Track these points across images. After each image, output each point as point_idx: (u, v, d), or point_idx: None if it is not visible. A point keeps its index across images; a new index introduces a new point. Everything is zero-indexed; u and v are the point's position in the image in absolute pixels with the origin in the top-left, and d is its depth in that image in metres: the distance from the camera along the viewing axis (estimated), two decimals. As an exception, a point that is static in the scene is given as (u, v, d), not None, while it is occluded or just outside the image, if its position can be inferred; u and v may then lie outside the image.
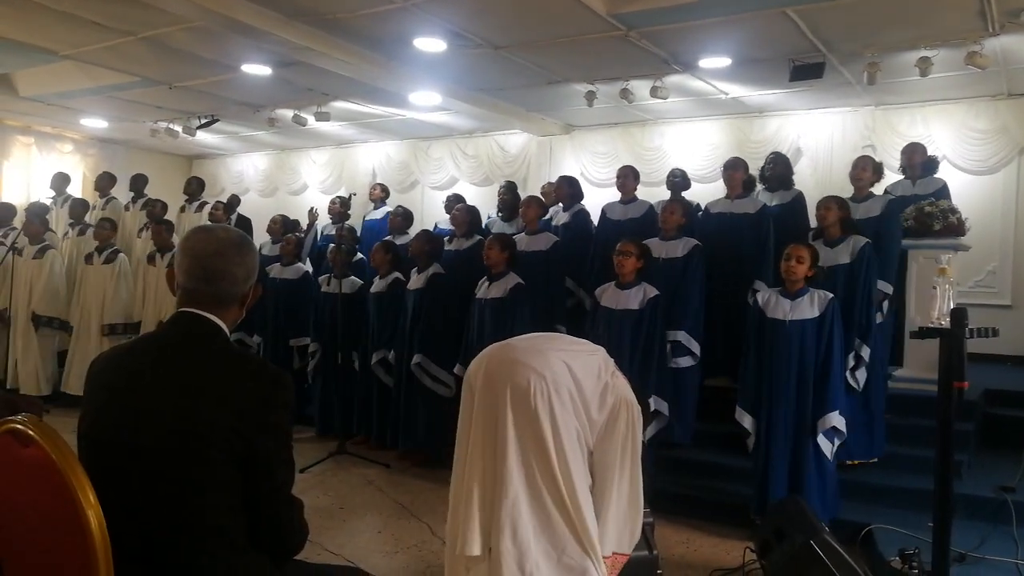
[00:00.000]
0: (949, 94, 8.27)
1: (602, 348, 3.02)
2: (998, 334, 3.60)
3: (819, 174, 9.01)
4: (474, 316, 5.83)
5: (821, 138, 9.16)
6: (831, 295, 4.60)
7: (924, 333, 3.59)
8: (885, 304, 5.39)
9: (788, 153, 8.95)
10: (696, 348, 5.45)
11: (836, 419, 4.46)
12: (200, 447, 1.75)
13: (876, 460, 5.17)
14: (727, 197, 6.18)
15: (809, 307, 4.57)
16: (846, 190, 5.83)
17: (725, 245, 5.86)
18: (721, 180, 6.44)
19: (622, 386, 2.90)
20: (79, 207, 9.17)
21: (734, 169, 6.15)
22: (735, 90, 8.51)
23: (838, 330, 4.56)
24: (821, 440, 4.47)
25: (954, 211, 5.71)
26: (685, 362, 5.45)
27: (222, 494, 1.79)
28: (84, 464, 1.67)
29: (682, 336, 5.42)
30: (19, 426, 1.68)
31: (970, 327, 3.36)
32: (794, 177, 6.60)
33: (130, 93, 9.67)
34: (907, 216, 5.72)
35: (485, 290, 5.80)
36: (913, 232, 5.73)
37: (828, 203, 5.28)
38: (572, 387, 2.76)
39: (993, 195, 8.40)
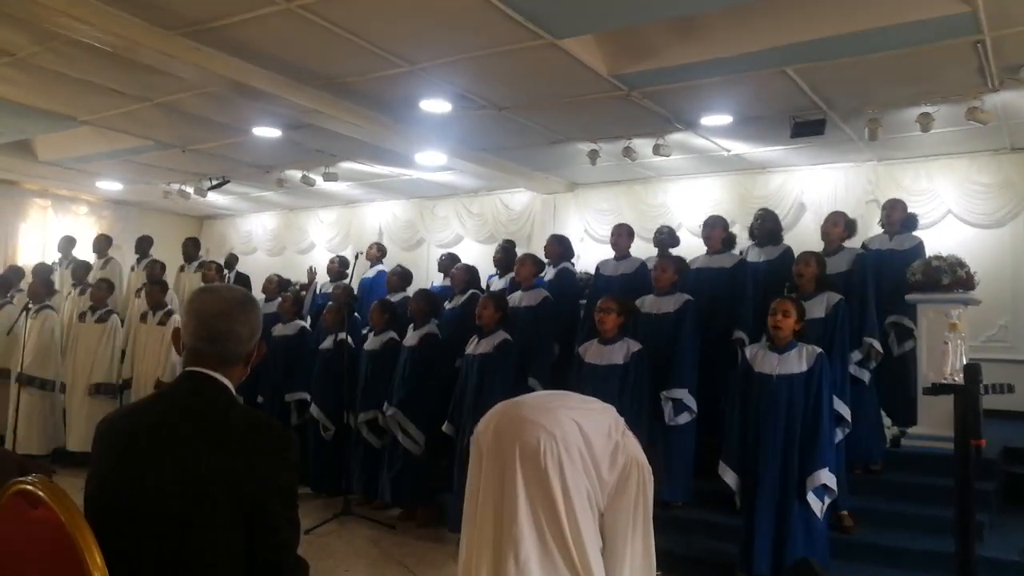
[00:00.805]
0: (952, 148, 8.32)
1: (612, 407, 3.00)
2: (1014, 390, 3.57)
3: (823, 229, 9.05)
4: (463, 372, 5.87)
5: (824, 193, 9.22)
6: (819, 350, 4.60)
7: (937, 389, 3.55)
8: (871, 362, 5.48)
9: (792, 208, 9.10)
10: (693, 404, 5.43)
11: (826, 476, 4.41)
12: (205, 507, 1.75)
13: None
14: (707, 253, 6.30)
15: (797, 362, 4.57)
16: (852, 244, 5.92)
17: (703, 300, 5.90)
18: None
19: (632, 446, 2.87)
20: (81, 268, 9.32)
21: (712, 227, 6.31)
22: (737, 147, 8.63)
23: (826, 384, 4.54)
24: (811, 498, 4.42)
25: (962, 264, 5.74)
26: (684, 419, 5.43)
27: (227, 555, 1.78)
28: (91, 525, 1.67)
29: (682, 394, 5.40)
30: (29, 487, 1.69)
31: (985, 383, 3.34)
32: (798, 232, 6.66)
33: (145, 156, 9.88)
34: (914, 271, 5.76)
35: (475, 346, 5.85)
36: (921, 287, 5.75)
37: (808, 258, 5.38)
38: (582, 446, 2.73)
39: (1001, 248, 8.37)
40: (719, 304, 5.93)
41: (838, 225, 5.94)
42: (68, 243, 10.11)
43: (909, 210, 6.46)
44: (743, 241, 6.75)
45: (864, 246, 6.19)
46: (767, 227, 6.45)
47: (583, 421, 2.80)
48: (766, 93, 6.73)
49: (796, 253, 5.80)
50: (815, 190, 9.29)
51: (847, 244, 5.98)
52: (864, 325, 5.45)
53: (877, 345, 5.46)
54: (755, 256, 6.35)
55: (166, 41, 5.82)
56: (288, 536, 1.87)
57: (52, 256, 10.65)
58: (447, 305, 6.92)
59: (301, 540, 1.95)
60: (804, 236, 7.20)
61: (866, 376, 5.47)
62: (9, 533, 1.76)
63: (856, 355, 5.36)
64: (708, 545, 5.15)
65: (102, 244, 9.83)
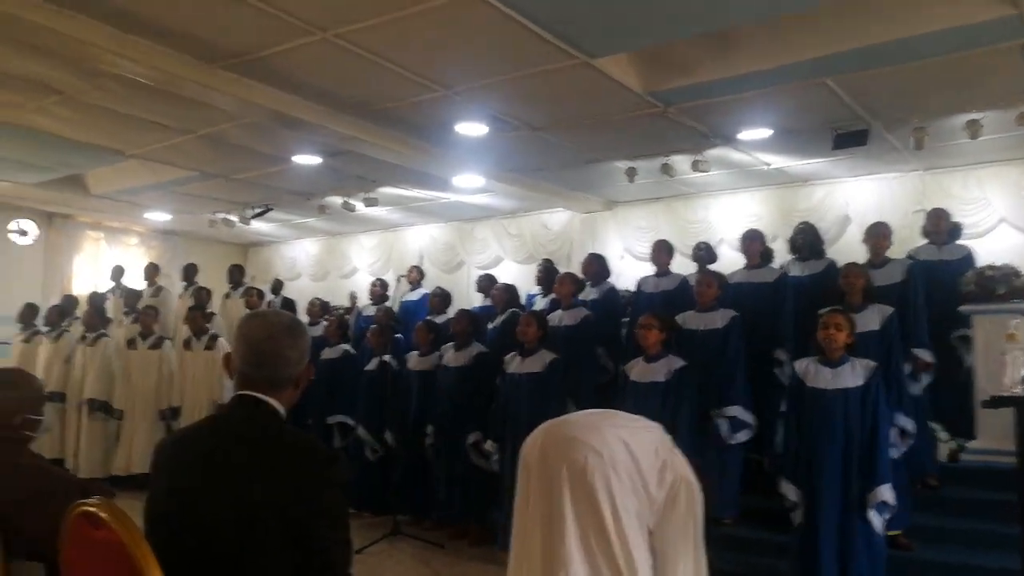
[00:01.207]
0: (1003, 155, 8.10)
1: (659, 425, 2.98)
2: (1077, 402, 3.47)
3: (869, 241, 8.90)
4: (505, 391, 5.85)
5: (870, 204, 9.04)
6: (874, 364, 4.51)
7: (996, 402, 3.48)
8: (924, 375, 5.37)
9: (836, 221, 8.98)
10: (751, 420, 5.38)
11: (887, 492, 4.32)
12: (258, 528, 1.78)
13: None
14: (746, 267, 6.24)
15: (852, 375, 4.48)
16: (898, 256, 5.82)
17: (743, 315, 5.82)
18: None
19: (680, 463, 2.84)
20: (132, 297, 9.56)
21: (751, 240, 6.28)
22: (777, 160, 8.54)
23: (883, 398, 4.46)
24: (871, 514, 4.33)
25: (1018, 274, 5.63)
26: (743, 436, 5.38)
27: (280, 574, 1.80)
28: (151, 545, 1.71)
29: (737, 411, 5.36)
30: (91, 509, 1.73)
31: (1046, 395, 3.26)
32: (843, 245, 6.58)
33: (190, 187, 10.09)
34: (968, 281, 5.65)
35: (519, 364, 5.84)
36: (975, 297, 5.64)
37: (857, 270, 5.31)
38: (630, 464, 2.70)
39: (1058, 256, 8.12)
40: (760, 319, 5.86)
41: (886, 236, 5.86)
42: (118, 272, 10.40)
43: (956, 219, 6.34)
44: (785, 255, 6.67)
45: (910, 256, 6.09)
46: (809, 241, 6.36)
47: (630, 439, 2.77)
48: (806, 105, 6.65)
49: (839, 266, 5.73)
50: (860, 202, 9.13)
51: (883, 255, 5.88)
52: (913, 337, 5.35)
53: (926, 356, 5.35)
54: (797, 270, 6.27)
55: (208, 74, 5.96)
56: (337, 557, 1.89)
57: (105, 286, 10.93)
58: (490, 325, 6.96)
59: (352, 560, 1.96)
60: (849, 249, 7.08)
61: (917, 389, 5.36)
62: (74, 553, 1.81)
63: (907, 367, 5.25)
64: (757, 562, 5.07)
65: (151, 272, 10.09)
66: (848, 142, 7.15)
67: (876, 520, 4.33)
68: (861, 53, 5.51)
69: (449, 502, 6.29)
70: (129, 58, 5.49)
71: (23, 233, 12.10)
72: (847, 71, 5.91)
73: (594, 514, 2.62)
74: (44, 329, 9.04)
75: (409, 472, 6.61)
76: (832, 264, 6.20)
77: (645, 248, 10.06)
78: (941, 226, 6.19)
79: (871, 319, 5.10)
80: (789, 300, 5.87)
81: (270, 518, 1.78)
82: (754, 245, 6.23)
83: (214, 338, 8.10)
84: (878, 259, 5.79)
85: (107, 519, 1.68)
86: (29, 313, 9.19)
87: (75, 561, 1.83)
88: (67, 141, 8.09)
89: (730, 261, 7.10)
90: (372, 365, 6.98)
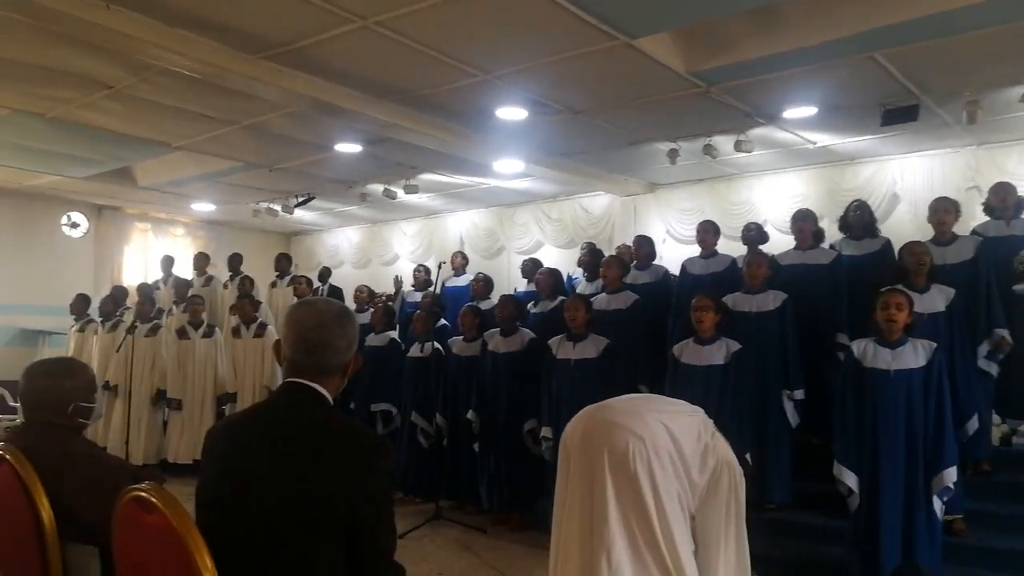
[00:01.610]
0: (1061, 127, 7.83)
1: (700, 410, 2.95)
2: None
3: (919, 219, 8.61)
4: (556, 377, 5.79)
5: (919, 182, 8.85)
6: (935, 344, 4.37)
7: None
8: (999, 355, 5.19)
9: (884, 199, 8.78)
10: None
11: (952, 476, 4.20)
12: (306, 513, 1.81)
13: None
14: (797, 248, 6.09)
15: (913, 356, 4.34)
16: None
17: (799, 297, 5.69)
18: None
19: (723, 448, 2.81)
20: (181, 286, 9.71)
21: (803, 220, 6.09)
22: (823, 139, 8.38)
23: (945, 380, 4.32)
24: (935, 502, 4.22)
25: None
26: (796, 420, 5.31)
27: (328, 559, 1.83)
28: (201, 530, 1.74)
29: (800, 394, 5.29)
30: (143, 494, 1.77)
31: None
32: (892, 223, 6.41)
33: (234, 177, 10.26)
34: (1021, 260, 5.44)
35: (570, 350, 5.78)
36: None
37: (924, 248, 5.11)
38: (672, 449, 2.68)
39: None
40: (818, 302, 5.71)
41: (951, 212, 5.58)
42: (168, 262, 10.59)
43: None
44: (832, 235, 6.54)
45: (976, 233, 5.87)
46: (863, 219, 6.16)
47: (671, 424, 2.75)
48: (853, 81, 6.50)
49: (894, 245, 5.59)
50: (909, 179, 8.92)
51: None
52: (991, 315, 5.15)
53: (1008, 336, 5.14)
54: (850, 250, 6.07)
55: (251, 65, 6.04)
56: (383, 542, 1.91)
57: (153, 276, 11.18)
58: (532, 309, 6.94)
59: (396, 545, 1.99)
60: (898, 228, 6.93)
61: (994, 369, 5.20)
62: (127, 537, 1.86)
63: (984, 348, 5.10)
64: (809, 548, 4.99)
65: (201, 262, 10.23)
66: (897, 118, 6.97)
67: (938, 505, 4.23)
68: (911, 25, 5.34)
69: (496, 491, 6.27)
70: (175, 51, 5.58)
71: (75, 225, 12.46)
72: (896, 44, 5.75)
73: (636, 499, 2.61)
74: (98, 319, 9.25)
75: (455, 458, 6.65)
76: (888, 243, 6.02)
77: (687, 230, 10.01)
78: (1008, 201, 5.92)
79: (936, 300, 4.94)
80: (844, 284, 5.70)
81: (318, 504, 1.80)
82: (806, 225, 6.05)
83: (263, 326, 8.22)
84: (944, 236, 5.53)
85: (158, 504, 1.72)
86: (82, 304, 9.40)
87: (127, 545, 1.88)
88: (116, 135, 8.28)
89: (774, 242, 6.98)
90: (417, 351, 7.00)
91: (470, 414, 6.42)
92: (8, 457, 2.32)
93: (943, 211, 5.60)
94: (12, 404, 9.07)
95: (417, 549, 5.62)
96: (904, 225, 8.21)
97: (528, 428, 6.08)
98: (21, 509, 2.26)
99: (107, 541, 1.99)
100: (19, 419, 8.04)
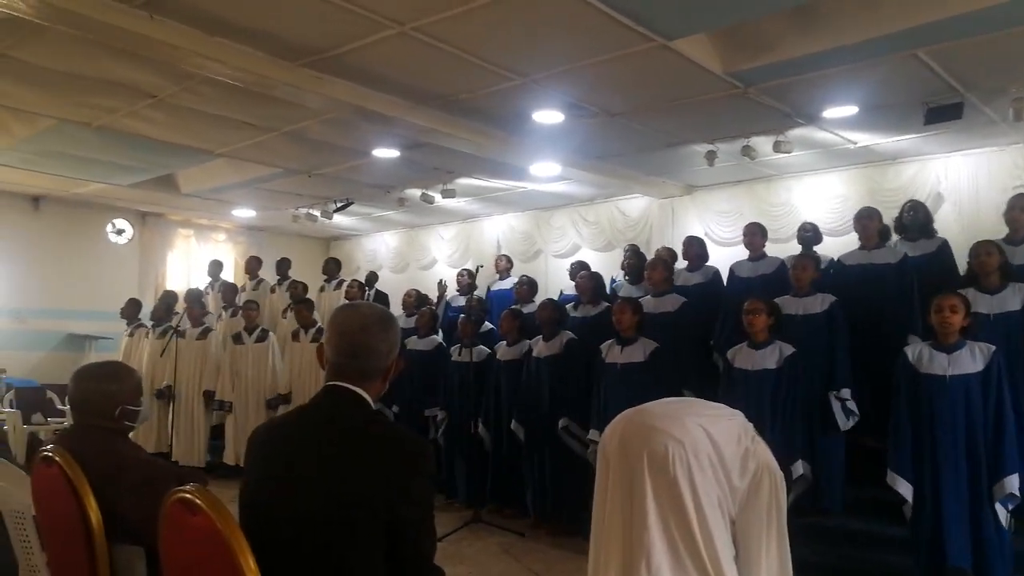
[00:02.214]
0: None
1: (740, 413, 2.91)
2: None
3: (964, 219, 8.51)
4: (605, 381, 5.76)
5: (964, 181, 8.67)
6: (993, 347, 4.25)
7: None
8: None
9: (928, 199, 8.56)
10: (855, 408, 5.18)
11: (1015, 483, 4.08)
12: (348, 516, 1.82)
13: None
14: (862, 248, 5.92)
15: (971, 360, 4.22)
16: (997, 233, 5.48)
17: (865, 298, 5.58)
18: (853, 232, 6.19)
19: (763, 452, 2.77)
20: (230, 291, 9.83)
21: (869, 218, 5.90)
22: (864, 138, 8.25)
23: (1006, 383, 4.18)
24: (998, 509, 4.10)
25: None
26: (851, 423, 5.17)
27: (369, 562, 1.84)
28: (244, 531, 1.76)
29: (848, 394, 5.16)
30: (188, 496, 1.80)
31: None
32: (936, 223, 6.26)
33: (274, 183, 10.41)
34: None
35: (618, 354, 5.73)
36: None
37: (990, 248, 4.94)
38: (712, 453, 2.65)
39: None
40: (884, 303, 5.57)
41: None
42: (216, 267, 10.73)
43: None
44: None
45: None
46: (918, 220, 6.01)
47: (711, 427, 2.72)
48: (895, 79, 6.38)
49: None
50: (954, 179, 8.73)
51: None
52: None
53: None
54: (905, 251, 5.93)
55: (290, 72, 6.12)
56: (424, 545, 1.93)
57: (196, 281, 11.36)
58: (573, 313, 6.90)
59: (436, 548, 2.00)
60: (943, 228, 6.75)
61: None
62: (172, 538, 1.89)
63: None
64: (864, 556, 4.90)
65: (254, 265, 10.37)
66: (941, 116, 6.82)
67: (1002, 513, 4.11)
68: (954, 21, 5.23)
69: (539, 496, 6.23)
70: (216, 60, 5.68)
71: (120, 232, 12.73)
72: (939, 41, 5.63)
73: (675, 503, 2.59)
74: (148, 324, 9.40)
75: (498, 463, 6.65)
76: (944, 243, 5.89)
77: (726, 232, 9.93)
78: None
79: (1010, 299, 4.80)
80: (915, 285, 5.51)
81: (358, 507, 1.82)
82: (871, 223, 5.87)
83: (320, 331, 8.26)
84: (1018, 235, 5.34)
85: (202, 506, 1.75)
86: (133, 308, 9.56)
87: (173, 545, 1.91)
88: (159, 143, 8.43)
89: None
90: (463, 356, 7.00)
91: (513, 424, 6.41)
92: (58, 459, 2.37)
93: (1019, 209, 5.38)
94: (61, 407, 9.28)
95: (455, 552, 5.63)
96: (949, 225, 8.03)
97: (562, 425, 6.03)
98: (70, 510, 2.31)
99: (153, 542, 2.02)
100: (67, 422, 8.25)
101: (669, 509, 2.59)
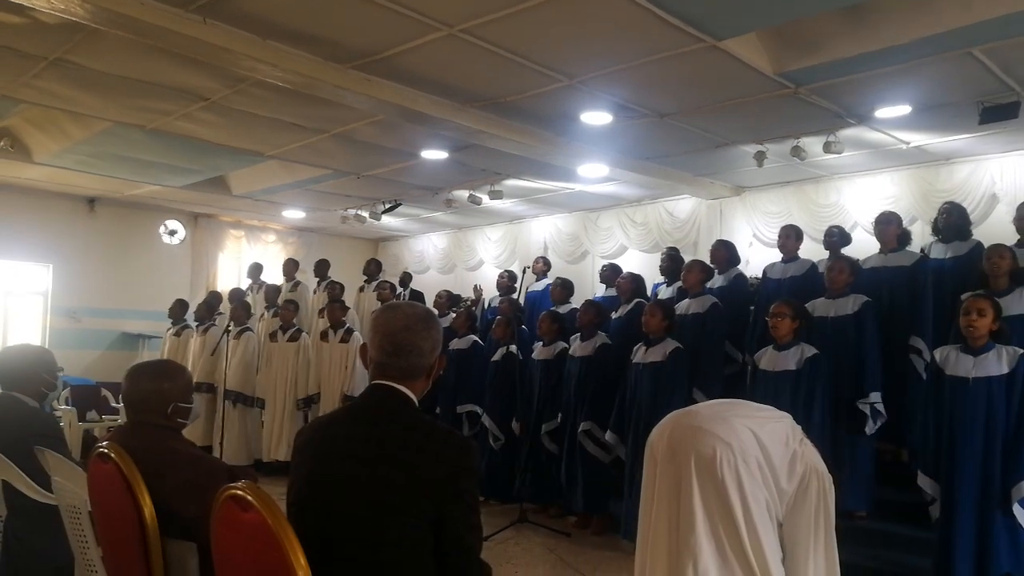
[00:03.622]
0: None
1: (788, 415, 2.88)
2: None
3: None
4: (630, 381, 5.82)
5: (1020, 182, 8.38)
6: (1021, 351, 4.18)
7: None
8: None
9: (982, 200, 8.40)
10: (883, 410, 5.16)
11: None
12: (395, 513, 1.85)
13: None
14: (881, 252, 5.94)
15: (996, 363, 4.19)
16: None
17: (881, 301, 5.56)
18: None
19: (811, 454, 2.74)
20: (272, 292, 10.03)
21: (887, 223, 5.96)
22: (917, 138, 8.06)
23: None
24: (1017, 510, 4.04)
25: None
26: (871, 428, 5.15)
27: (416, 559, 1.87)
28: (293, 528, 1.79)
29: (878, 398, 5.14)
30: (240, 492, 1.84)
31: None
32: (990, 225, 6.16)
33: (323, 185, 10.53)
34: None
35: (643, 355, 5.79)
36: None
37: (1001, 251, 4.97)
38: (760, 456, 2.63)
39: None
40: (899, 306, 5.59)
41: None
42: (256, 269, 11.00)
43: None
44: (926, 237, 6.31)
45: None
46: (953, 221, 5.97)
47: (759, 430, 2.69)
48: (949, 78, 6.23)
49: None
50: (1009, 179, 8.46)
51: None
52: None
53: None
54: (939, 253, 5.91)
55: (340, 75, 6.19)
56: (471, 542, 1.95)
57: (246, 283, 11.57)
58: (613, 315, 6.91)
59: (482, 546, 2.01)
60: (997, 229, 6.60)
61: None
62: (224, 534, 1.92)
63: None
64: (894, 557, 4.88)
65: (290, 268, 10.59)
66: (996, 116, 6.64)
67: (1021, 516, 4.05)
68: (1011, 19, 5.07)
69: (571, 492, 6.31)
70: (268, 63, 5.76)
71: (172, 233, 13.01)
72: (995, 40, 5.48)
73: (723, 505, 2.56)
74: (193, 324, 9.62)
75: (533, 461, 6.67)
76: (979, 245, 5.81)
77: (775, 234, 9.74)
78: None
79: (1016, 303, 4.79)
80: (929, 287, 5.55)
81: (407, 504, 1.84)
82: (889, 228, 5.93)
83: (349, 332, 8.39)
84: None
85: (254, 502, 1.78)
86: (179, 309, 9.80)
87: (224, 541, 1.94)
88: (211, 145, 8.60)
89: (867, 245, 6.75)
90: (498, 355, 7.08)
91: (544, 427, 6.48)
92: (113, 456, 2.42)
93: None
94: (115, 405, 9.52)
95: (502, 552, 5.66)
96: (1004, 226, 7.76)
97: (583, 429, 6.12)
98: (125, 506, 2.36)
99: (205, 538, 2.06)
100: (121, 419, 8.47)
101: (717, 512, 2.57)
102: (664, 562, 2.63)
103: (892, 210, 6.48)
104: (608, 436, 5.86)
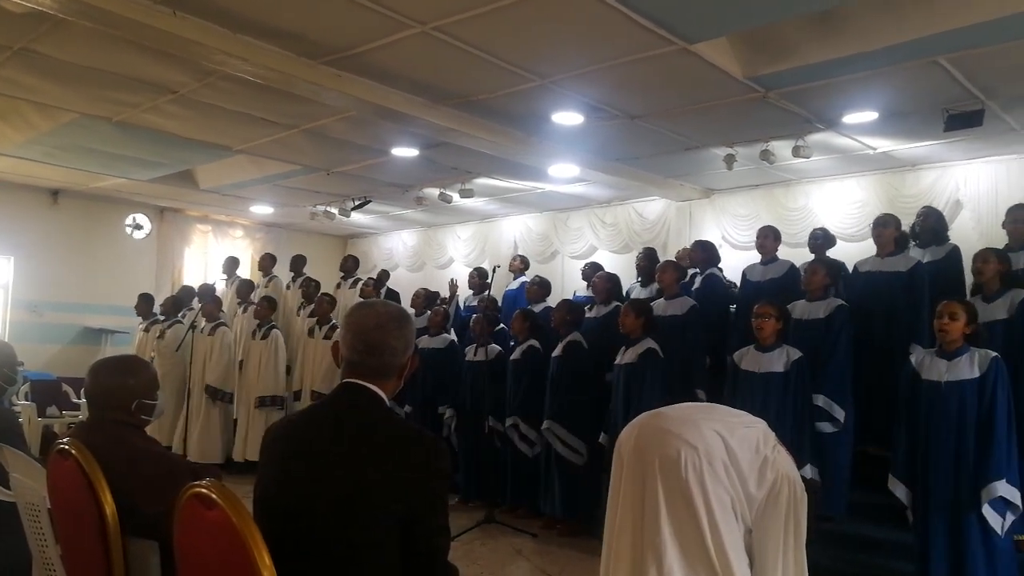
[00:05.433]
0: None
1: (762, 421, 2.89)
2: None
3: (983, 226, 8.43)
4: (614, 383, 5.85)
5: (983, 188, 8.59)
6: (994, 354, 4.25)
7: None
8: None
9: (946, 206, 8.54)
10: (839, 414, 5.15)
11: (1004, 488, 4.05)
12: (363, 512, 1.83)
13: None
14: (877, 255, 5.91)
15: (968, 367, 4.24)
16: (1014, 241, 5.46)
17: (876, 306, 5.59)
18: (870, 238, 6.15)
19: (784, 462, 2.74)
20: (245, 287, 9.89)
21: (884, 226, 5.88)
22: (883, 144, 8.19)
23: (1002, 390, 4.17)
24: (987, 512, 4.07)
25: None
26: (826, 428, 5.15)
27: (383, 559, 1.85)
28: (259, 527, 1.77)
29: (822, 400, 5.15)
30: (204, 490, 1.81)
31: None
32: (955, 231, 6.23)
33: (292, 180, 10.45)
34: None
35: (622, 355, 5.83)
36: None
37: (986, 255, 5.00)
38: (727, 460, 2.64)
39: None
40: (897, 312, 5.56)
41: None
42: (232, 263, 10.78)
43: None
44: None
45: None
46: (930, 225, 6.02)
47: (728, 435, 2.70)
48: (916, 86, 6.34)
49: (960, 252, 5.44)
50: (973, 186, 8.66)
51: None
52: None
53: None
54: (917, 256, 5.95)
55: (311, 70, 6.14)
56: (440, 543, 1.93)
57: (213, 277, 11.41)
58: (588, 314, 6.91)
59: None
60: (962, 235, 6.71)
61: None
62: (188, 531, 1.90)
63: None
64: (871, 561, 4.91)
65: (267, 262, 10.37)
66: (961, 123, 6.75)
67: (993, 519, 4.09)
68: (977, 29, 5.19)
69: (550, 496, 6.26)
70: (239, 57, 5.70)
71: (138, 227, 12.81)
72: (961, 48, 5.58)
73: (687, 508, 2.57)
74: (161, 318, 9.47)
75: (509, 461, 6.66)
76: (955, 249, 5.88)
77: (744, 236, 9.88)
78: None
79: (999, 308, 4.82)
80: (927, 293, 5.47)
81: (374, 504, 1.83)
82: (886, 231, 5.83)
83: (334, 328, 8.26)
84: (1017, 243, 5.34)
85: (218, 500, 1.75)
86: (145, 304, 9.62)
87: (187, 540, 1.92)
88: (179, 138, 8.49)
89: (835, 250, 6.83)
90: (473, 354, 7.04)
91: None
92: (73, 452, 2.38)
93: (1020, 220, 5.42)
94: (76, 400, 9.36)
95: (467, 552, 5.64)
96: (967, 232, 7.98)
97: (510, 423, 6.31)
98: (86, 503, 2.32)
99: (168, 536, 2.03)
100: (83, 415, 8.32)
101: (681, 513, 2.58)
102: (628, 562, 2.64)
103: (888, 212, 6.43)
104: (602, 439, 5.85)
